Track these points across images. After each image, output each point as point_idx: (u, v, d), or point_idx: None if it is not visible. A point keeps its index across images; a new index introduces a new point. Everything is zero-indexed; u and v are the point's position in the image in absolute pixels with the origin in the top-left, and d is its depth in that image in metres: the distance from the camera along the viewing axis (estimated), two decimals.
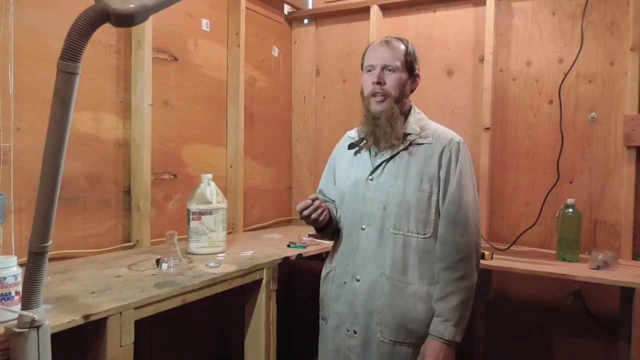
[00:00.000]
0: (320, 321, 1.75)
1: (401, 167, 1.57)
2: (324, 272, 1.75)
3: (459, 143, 1.58)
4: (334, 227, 1.72)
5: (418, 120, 1.63)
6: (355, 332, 1.59)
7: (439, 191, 1.54)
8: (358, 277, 1.60)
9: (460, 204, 1.52)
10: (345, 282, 1.63)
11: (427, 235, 1.54)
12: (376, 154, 1.63)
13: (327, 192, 1.81)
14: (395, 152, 1.59)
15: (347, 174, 1.70)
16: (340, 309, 1.64)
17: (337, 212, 1.73)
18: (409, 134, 1.59)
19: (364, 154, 1.65)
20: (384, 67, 1.57)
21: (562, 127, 2.40)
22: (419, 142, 1.58)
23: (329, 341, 1.68)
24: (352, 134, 1.75)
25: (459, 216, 1.52)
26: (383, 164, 1.60)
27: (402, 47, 1.60)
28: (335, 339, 1.65)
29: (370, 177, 1.61)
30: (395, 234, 1.55)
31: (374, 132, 1.59)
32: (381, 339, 1.55)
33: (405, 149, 1.58)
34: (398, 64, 1.57)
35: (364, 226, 1.60)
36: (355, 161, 1.68)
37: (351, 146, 1.70)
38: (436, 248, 1.54)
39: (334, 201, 1.77)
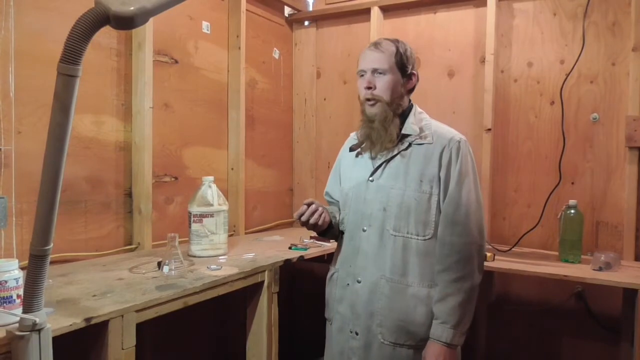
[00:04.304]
0: (326, 322, 1.76)
1: (401, 168, 1.57)
2: (329, 273, 1.76)
3: (459, 142, 1.56)
4: (336, 229, 1.72)
5: (419, 120, 1.62)
6: (357, 334, 1.59)
7: (439, 192, 1.54)
8: (359, 278, 1.60)
9: (459, 204, 1.51)
10: (348, 284, 1.64)
11: (427, 237, 1.54)
12: (376, 155, 1.63)
13: (333, 193, 1.83)
14: (394, 153, 1.59)
15: (350, 175, 1.71)
16: (344, 311, 1.64)
17: (340, 213, 1.74)
18: (408, 135, 1.59)
19: (366, 155, 1.66)
20: (373, 71, 1.57)
21: (563, 128, 2.39)
22: (419, 143, 1.58)
23: (333, 342, 1.69)
24: (355, 135, 1.75)
25: (457, 216, 1.51)
26: (383, 165, 1.60)
27: (392, 48, 1.59)
28: (339, 340, 1.66)
29: (370, 178, 1.61)
30: (395, 235, 1.55)
31: (370, 135, 1.60)
32: (382, 340, 1.55)
33: (405, 149, 1.58)
34: (386, 66, 1.56)
35: (365, 228, 1.60)
36: (357, 163, 1.69)
37: (352, 149, 1.71)
38: (436, 249, 1.53)
39: (339, 202, 1.77)
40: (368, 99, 1.58)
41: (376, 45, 1.60)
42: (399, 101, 1.60)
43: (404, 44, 1.62)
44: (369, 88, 1.57)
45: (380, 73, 1.57)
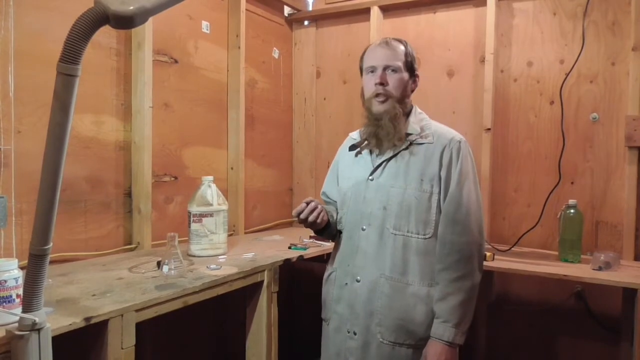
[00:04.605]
0: (323, 323, 1.75)
1: (401, 167, 1.57)
2: (326, 273, 1.75)
3: (459, 142, 1.57)
4: (333, 228, 1.72)
5: (419, 120, 1.63)
6: (355, 334, 1.59)
7: (439, 191, 1.54)
8: (358, 277, 1.59)
9: (460, 203, 1.51)
10: (346, 284, 1.63)
11: (427, 236, 1.54)
12: (377, 154, 1.62)
13: (330, 193, 1.82)
14: (395, 152, 1.59)
15: (349, 175, 1.70)
16: (342, 311, 1.64)
17: (337, 213, 1.73)
18: (410, 134, 1.59)
19: (365, 154, 1.66)
20: (385, 68, 1.57)
21: (563, 128, 2.39)
22: (420, 142, 1.58)
23: (330, 343, 1.68)
24: (355, 135, 1.75)
25: (458, 215, 1.51)
26: (383, 164, 1.60)
27: (402, 47, 1.60)
28: (336, 340, 1.65)
29: (370, 177, 1.61)
30: (395, 234, 1.55)
31: (377, 133, 1.59)
32: (381, 340, 1.54)
33: (406, 148, 1.58)
34: (399, 64, 1.57)
35: (364, 227, 1.60)
36: (356, 162, 1.68)
37: (352, 147, 1.71)
38: (436, 248, 1.53)
39: (336, 202, 1.77)
40: (378, 95, 1.57)
41: (387, 42, 1.60)
42: (406, 100, 1.62)
43: (409, 45, 1.64)
44: (381, 84, 1.56)
45: (393, 70, 1.57)
